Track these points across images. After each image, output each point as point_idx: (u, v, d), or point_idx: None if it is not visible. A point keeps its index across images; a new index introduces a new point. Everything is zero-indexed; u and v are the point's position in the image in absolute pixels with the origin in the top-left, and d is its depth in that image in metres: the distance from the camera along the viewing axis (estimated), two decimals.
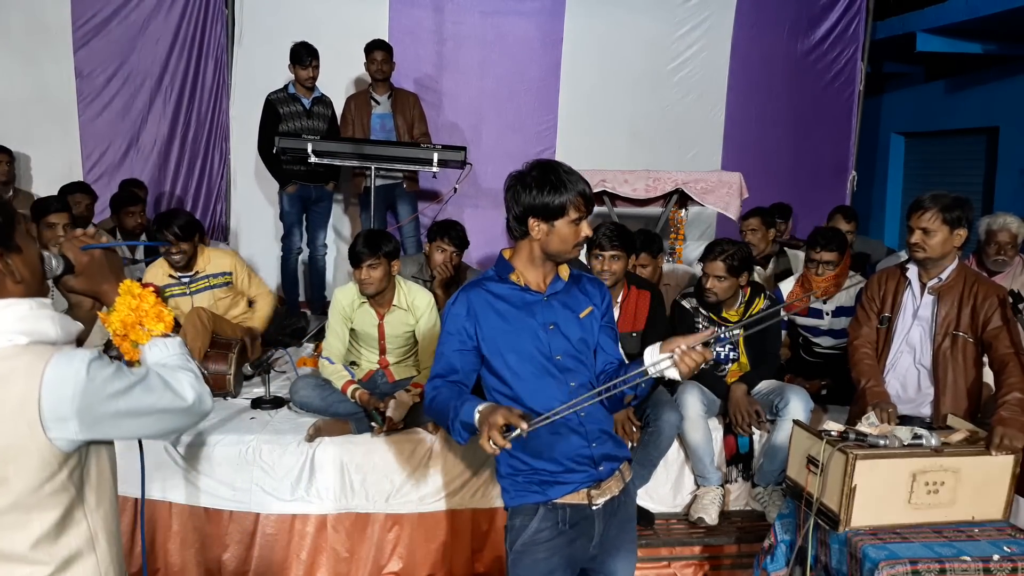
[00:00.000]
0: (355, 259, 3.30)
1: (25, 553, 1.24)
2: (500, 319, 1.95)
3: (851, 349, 3.09)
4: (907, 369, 2.97)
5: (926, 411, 2.95)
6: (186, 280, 3.92)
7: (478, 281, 2.00)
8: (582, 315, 2.00)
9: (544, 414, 1.72)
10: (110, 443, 1.38)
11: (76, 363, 1.22)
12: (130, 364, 1.44)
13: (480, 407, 1.73)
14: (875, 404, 2.80)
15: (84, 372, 1.22)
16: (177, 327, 3.80)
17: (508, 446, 1.61)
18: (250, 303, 4.19)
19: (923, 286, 2.92)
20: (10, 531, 1.23)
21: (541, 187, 1.88)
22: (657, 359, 1.78)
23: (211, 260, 3.99)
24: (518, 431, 1.61)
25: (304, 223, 5.44)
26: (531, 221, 1.91)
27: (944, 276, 2.86)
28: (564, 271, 2.03)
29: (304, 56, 5.06)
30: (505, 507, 2.03)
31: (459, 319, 1.96)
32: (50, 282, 1.43)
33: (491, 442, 1.62)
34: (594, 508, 1.95)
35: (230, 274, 4.03)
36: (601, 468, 1.96)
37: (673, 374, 1.77)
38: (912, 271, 2.94)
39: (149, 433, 1.35)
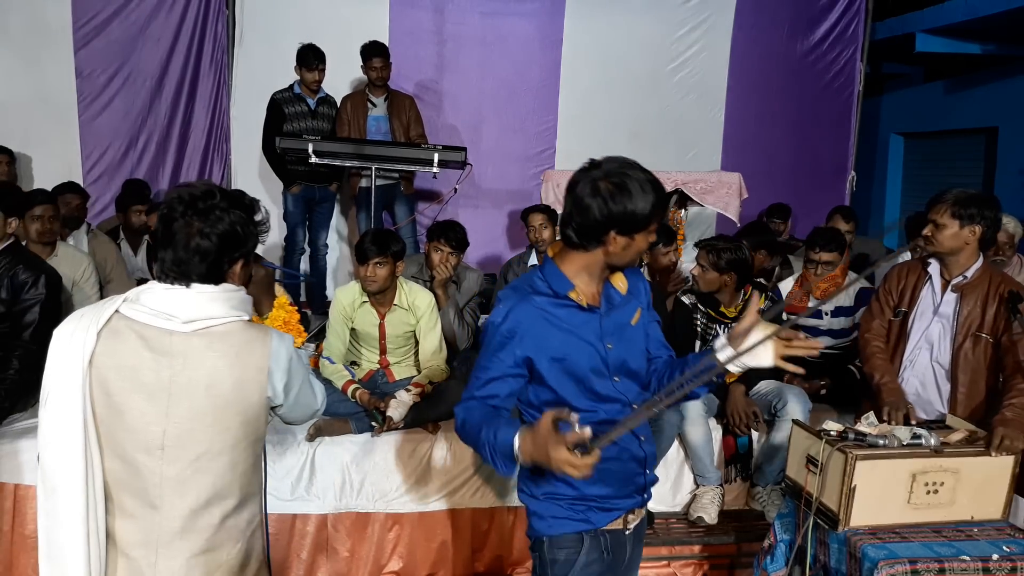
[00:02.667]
0: (362, 255, 3.31)
1: (234, 485, 1.59)
2: (556, 342, 1.71)
3: (862, 342, 3.04)
4: (925, 367, 2.91)
5: (942, 410, 2.90)
6: None
7: (526, 294, 1.72)
8: (633, 321, 1.82)
9: (607, 431, 1.48)
10: None
11: (288, 342, 1.63)
12: None
13: (520, 434, 1.52)
14: (888, 404, 2.76)
15: (292, 350, 1.63)
16: None
17: (597, 460, 1.42)
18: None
19: (945, 283, 2.86)
20: (230, 466, 1.58)
21: (630, 195, 1.61)
22: (749, 344, 1.58)
23: None
24: (590, 447, 1.42)
25: (307, 223, 5.45)
26: (612, 233, 1.64)
27: (969, 274, 2.80)
28: (620, 281, 1.81)
29: (311, 59, 5.07)
30: (538, 535, 1.81)
31: (507, 341, 1.69)
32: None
33: (573, 467, 1.41)
34: (627, 532, 1.85)
35: None
36: (646, 495, 1.86)
37: (756, 361, 1.63)
38: (934, 267, 2.89)
39: (293, 418, 1.73)
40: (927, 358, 2.92)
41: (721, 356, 1.66)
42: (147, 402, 1.51)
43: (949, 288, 2.85)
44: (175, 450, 1.52)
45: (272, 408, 1.65)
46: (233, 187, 5.91)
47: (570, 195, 1.67)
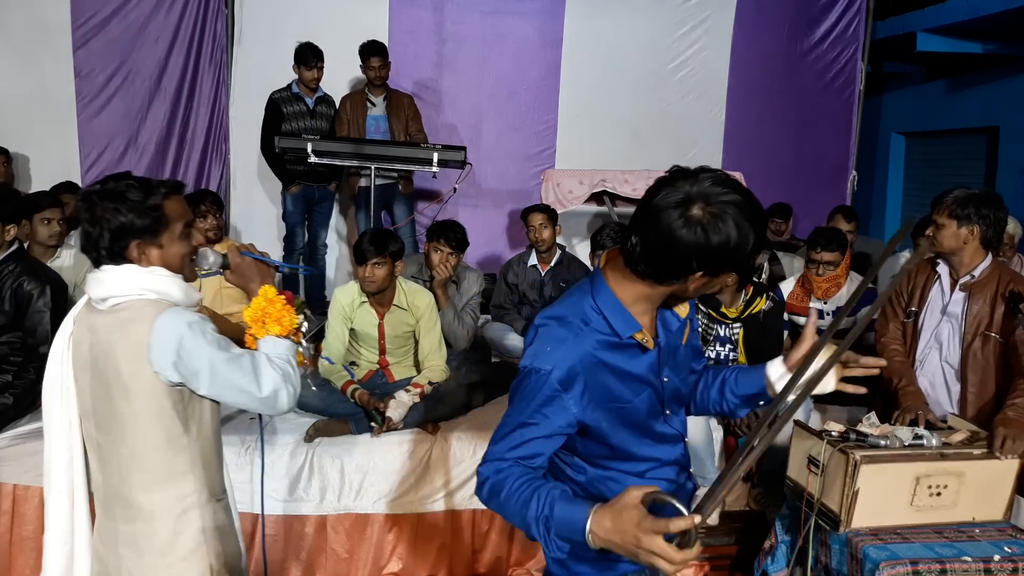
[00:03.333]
0: (360, 256, 3.30)
1: (145, 458, 1.68)
2: (615, 391, 1.46)
3: (879, 347, 3.03)
4: (935, 367, 2.91)
5: (951, 410, 2.89)
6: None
7: (580, 333, 1.41)
8: (684, 341, 1.60)
9: (671, 492, 1.25)
10: (215, 402, 1.75)
11: (182, 318, 1.63)
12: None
13: (596, 513, 1.21)
14: (907, 409, 2.74)
15: (185, 327, 1.61)
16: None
17: (698, 554, 1.14)
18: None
19: (954, 282, 2.86)
20: (139, 439, 1.67)
21: (732, 227, 1.29)
22: (813, 373, 1.32)
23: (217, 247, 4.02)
24: (693, 536, 1.13)
25: (306, 223, 5.44)
26: (699, 272, 1.35)
27: (977, 273, 2.80)
28: (683, 305, 1.57)
29: (309, 58, 5.06)
30: None
31: (559, 395, 1.39)
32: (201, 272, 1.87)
33: (669, 561, 1.12)
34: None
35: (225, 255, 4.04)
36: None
37: (819, 389, 1.43)
38: (942, 266, 2.90)
39: (229, 401, 1.71)
40: (937, 358, 2.91)
41: (779, 386, 1.48)
42: (81, 373, 1.71)
43: (957, 287, 2.85)
44: (97, 418, 1.70)
45: (193, 390, 1.68)
46: (232, 187, 5.93)
47: (650, 219, 1.32)
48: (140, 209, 1.65)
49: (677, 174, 1.36)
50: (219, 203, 3.98)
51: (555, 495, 1.28)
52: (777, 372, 1.54)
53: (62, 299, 3.28)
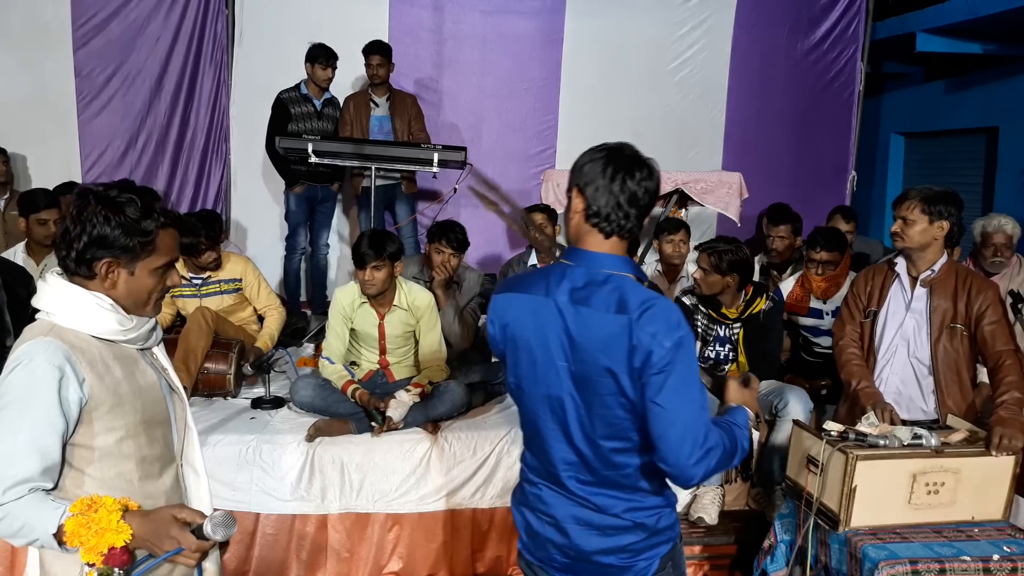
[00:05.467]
0: (359, 260, 3.30)
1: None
2: None
3: (837, 350, 3.06)
4: (903, 364, 2.94)
5: (928, 407, 2.91)
6: (197, 282, 3.92)
7: None
8: None
9: None
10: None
11: (36, 352, 1.47)
12: None
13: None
14: (874, 405, 2.79)
15: (13, 365, 1.47)
16: (182, 322, 3.84)
17: None
18: (260, 317, 4.15)
19: (913, 280, 2.90)
20: None
21: None
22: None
23: (225, 266, 3.99)
24: None
25: (308, 223, 5.45)
26: None
27: (936, 268, 2.85)
28: None
29: (324, 57, 5.07)
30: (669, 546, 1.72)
31: None
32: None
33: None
34: None
35: (240, 280, 4.02)
36: None
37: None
38: (901, 265, 2.93)
39: None
40: (905, 354, 2.93)
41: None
42: None
43: (918, 284, 2.88)
44: None
45: None
46: (233, 187, 5.93)
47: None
48: (131, 228, 1.52)
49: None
50: (214, 236, 3.88)
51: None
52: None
53: (24, 289, 3.17)
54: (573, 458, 1.64)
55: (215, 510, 1.50)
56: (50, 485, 1.50)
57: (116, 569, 1.42)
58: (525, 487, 1.77)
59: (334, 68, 5.15)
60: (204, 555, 1.49)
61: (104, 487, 1.53)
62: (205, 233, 3.78)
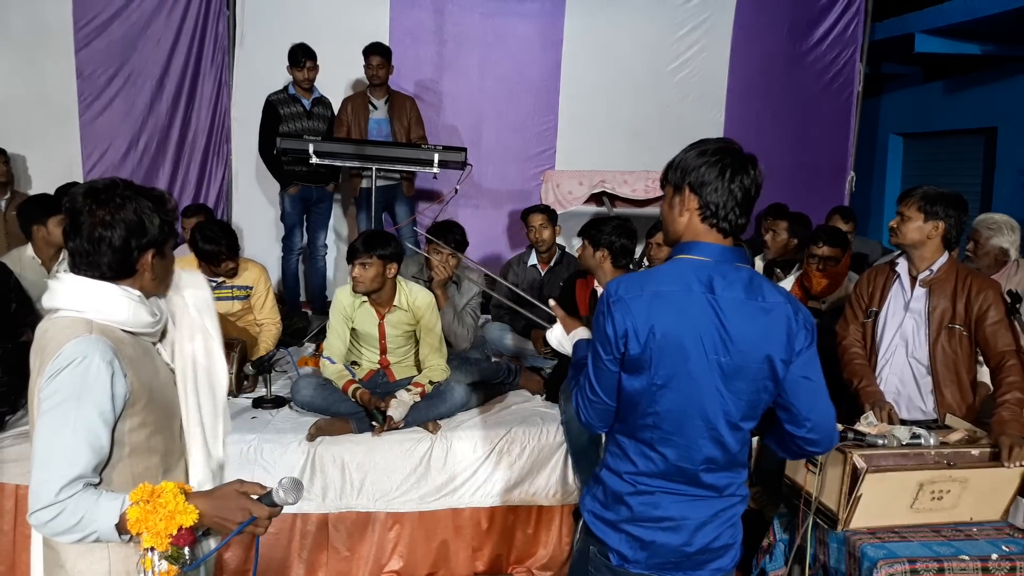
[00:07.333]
0: (349, 255, 3.33)
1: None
2: None
3: (840, 349, 3.07)
4: (903, 364, 2.95)
5: (926, 406, 2.92)
6: (212, 285, 3.94)
7: None
8: None
9: None
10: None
11: (83, 350, 1.45)
12: None
13: None
14: (872, 404, 2.80)
15: (66, 364, 1.45)
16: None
17: None
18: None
19: (913, 279, 2.91)
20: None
21: None
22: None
23: (241, 273, 4.02)
24: None
25: (305, 224, 5.46)
26: None
27: (935, 268, 2.86)
28: None
29: (299, 57, 5.07)
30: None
31: None
32: None
33: None
34: None
35: (251, 288, 4.06)
36: None
37: None
38: (902, 265, 2.95)
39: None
40: (904, 354, 2.94)
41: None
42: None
43: (918, 283, 2.89)
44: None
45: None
46: (234, 188, 5.94)
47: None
48: (168, 216, 1.56)
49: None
50: (236, 248, 3.92)
51: None
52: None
53: (3, 286, 3.22)
54: (714, 449, 1.67)
55: (282, 477, 1.52)
56: (98, 480, 1.51)
57: (186, 548, 1.45)
58: (629, 499, 1.72)
59: (311, 68, 5.13)
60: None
61: (134, 482, 1.51)
62: (227, 244, 3.84)
